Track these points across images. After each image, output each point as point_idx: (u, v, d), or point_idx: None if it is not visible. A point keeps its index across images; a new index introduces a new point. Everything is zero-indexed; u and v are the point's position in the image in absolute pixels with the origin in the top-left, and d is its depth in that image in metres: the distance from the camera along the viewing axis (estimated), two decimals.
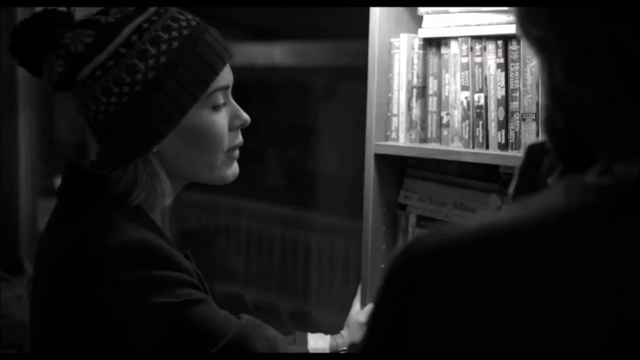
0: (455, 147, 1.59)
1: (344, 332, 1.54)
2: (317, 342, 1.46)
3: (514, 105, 1.50)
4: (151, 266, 1.21)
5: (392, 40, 1.67)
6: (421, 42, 1.65)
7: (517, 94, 1.49)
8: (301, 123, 3.48)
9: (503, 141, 1.51)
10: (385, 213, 1.72)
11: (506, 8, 1.48)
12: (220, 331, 1.24)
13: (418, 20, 1.66)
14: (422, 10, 1.64)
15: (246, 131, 1.39)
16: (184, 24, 1.28)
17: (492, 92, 1.53)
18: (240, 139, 1.36)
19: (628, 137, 0.64)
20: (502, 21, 1.49)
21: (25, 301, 2.92)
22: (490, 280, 0.63)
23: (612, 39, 0.63)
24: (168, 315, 1.20)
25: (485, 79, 1.54)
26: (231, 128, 1.34)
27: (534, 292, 0.61)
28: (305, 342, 1.45)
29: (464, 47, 1.56)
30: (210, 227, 3.68)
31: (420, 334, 0.65)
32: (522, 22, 0.71)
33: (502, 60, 1.51)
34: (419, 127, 1.67)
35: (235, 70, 1.36)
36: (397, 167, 1.74)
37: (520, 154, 1.36)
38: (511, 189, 0.83)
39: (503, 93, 1.51)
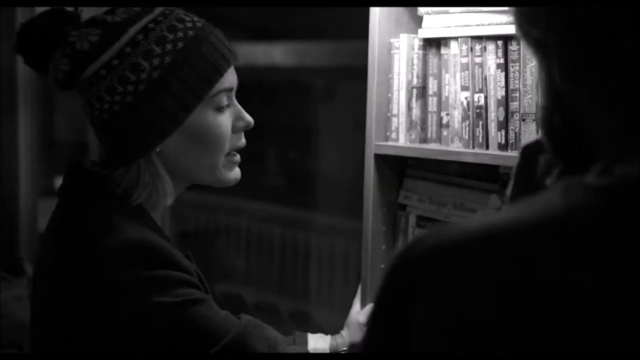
0: (455, 147, 1.59)
1: (344, 332, 1.54)
2: (317, 342, 1.46)
3: (513, 105, 1.50)
4: (151, 266, 1.21)
5: (392, 40, 1.67)
6: (421, 43, 1.65)
7: (517, 94, 1.49)
8: (301, 123, 3.48)
9: (503, 141, 1.51)
10: (385, 213, 1.72)
11: (506, 8, 1.48)
12: (220, 331, 1.24)
13: (418, 21, 1.66)
14: (422, 10, 1.64)
15: (246, 131, 1.39)
16: (189, 25, 1.29)
17: (492, 93, 1.53)
18: (243, 141, 1.37)
19: (628, 137, 0.64)
20: (502, 21, 1.50)
21: (25, 301, 2.92)
22: (491, 281, 0.63)
23: (612, 39, 0.63)
24: (168, 315, 1.20)
25: (485, 79, 1.54)
26: (234, 130, 1.34)
27: (534, 293, 0.61)
28: (305, 342, 1.45)
29: (464, 47, 1.56)
30: (210, 227, 3.68)
31: (420, 334, 0.65)
32: (520, 22, 0.71)
33: (502, 61, 1.51)
34: (418, 128, 1.67)
35: (236, 70, 1.36)
36: (397, 167, 1.74)
37: None
38: (508, 191, 0.83)
39: (503, 93, 1.51)
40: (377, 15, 1.66)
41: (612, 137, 0.65)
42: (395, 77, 1.67)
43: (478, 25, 1.53)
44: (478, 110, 1.55)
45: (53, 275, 1.26)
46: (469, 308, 0.63)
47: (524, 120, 1.48)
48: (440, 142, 1.64)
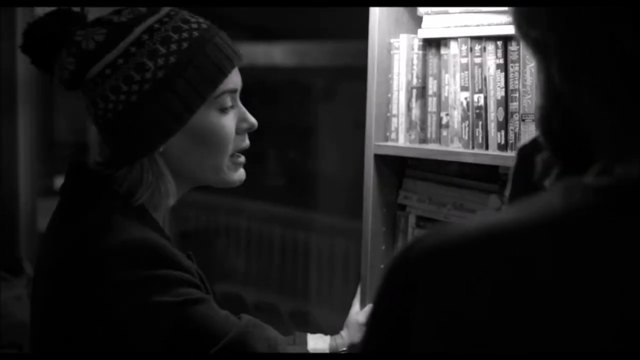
0: (455, 147, 1.59)
1: (343, 332, 1.54)
2: (317, 342, 1.46)
3: (513, 105, 1.50)
4: (152, 265, 1.21)
5: (392, 40, 1.67)
6: (421, 43, 1.65)
7: (517, 95, 1.49)
8: (301, 123, 3.48)
9: (503, 142, 1.51)
10: (384, 213, 1.72)
11: (506, 8, 1.48)
12: (220, 331, 1.24)
13: (418, 21, 1.66)
14: (421, 10, 1.64)
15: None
16: (194, 26, 1.30)
17: (491, 93, 1.53)
18: (247, 142, 1.37)
19: (628, 137, 0.64)
20: (501, 22, 1.50)
21: (25, 301, 2.92)
22: (490, 281, 0.63)
23: (612, 39, 0.63)
24: (169, 315, 1.20)
25: (485, 79, 1.54)
26: (238, 131, 1.35)
27: (533, 293, 0.61)
28: (305, 342, 1.45)
29: (464, 47, 1.56)
30: (210, 227, 3.68)
31: (420, 334, 0.65)
32: (519, 22, 0.71)
33: (501, 61, 1.51)
34: (418, 128, 1.67)
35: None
36: (397, 167, 1.74)
37: None
38: (507, 193, 0.83)
39: (503, 94, 1.51)
40: (377, 15, 1.66)
41: (612, 137, 0.65)
42: (395, 77, 1.67)
43: (478, 25, 1.53)
44: (478, 111, 1.55)
45: (54, 274, 1.26)
46: (469, 308, 0.63)
47: (523, 120, 1.48)
48: (439, 143, 1.64)
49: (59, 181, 3.71)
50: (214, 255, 3.60)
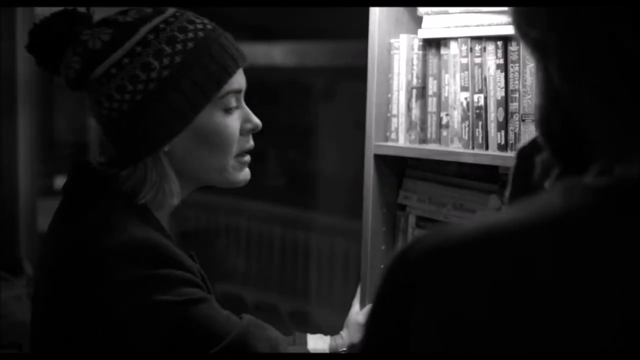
0: (455, 147, 1.59)
1: (343, 332, 1.54)
2: (317, 342, 1.46)
3: (513, 106, 1.49)
4: (154, 265, 1.21)
5: (392, 40, 1.67)
6: (421, 43, 1.65)
7: (517, 95, 1.49)
8: (301, 123, 3.48)
9: (503, 142, 1.51)
10: (384, 213, 1.72)
11: (506, 8, 1.48)
12: (222, 331, 1.24)
13: (418, 21, 1.66)
14: (421, 10, 1.64)
15: None
16: (199, 26, 1.31)
17: (491, 93, 1.53)
18: (251, 143, 1.38)
19: (628, 137, 0.64)
20: (501, 22, 1.49)
21: (25, 301, 2.92)
22: (490, 281, 0.63)
23: (612, 39, 0.63)
24: (170, 314, 1.21)
25: (485, 79, 1.54)
26: (242, 132, 1.35)
27: (533, 293, 0.61)
28: (305, 342, 1.45)
29: (464, 47, 1.56)
30: (210, 227, 3.68)
31: (419, 334, 0.65)
32: (518, 22, 0.71)
33: (501, 61, 1.51)
34: (418, 128, 1.67)
35: None
36: (397, 167, 1.74)
37: None
38: (507, 193, 0.83)
39: (503, 94, 1.51)
40: (377, 15, 1.66)
41: (612, 137, 0.65)
42: (395, 77, 1.67)
43: (478, 25, 1.53)
44: (478, 111, 1.55)
45: (56, 274, 1.26)
46: (469, 308, 0.63)
47: (523, 120, 1.48)
48: (439, 143, 1.64)
49: (59, 181, 3.71)
50: (214, 255, 3.60)
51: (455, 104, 1.59)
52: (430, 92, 1.65)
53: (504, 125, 1.51)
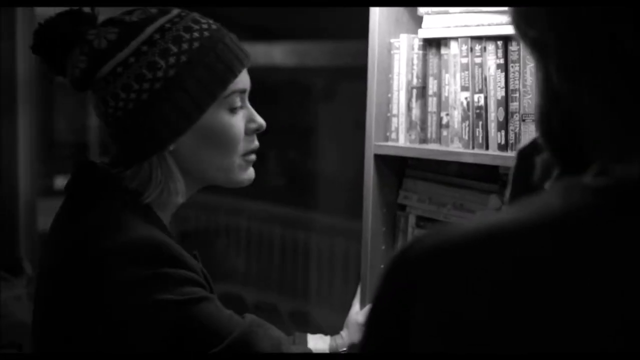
0: (455, 147, 1.59)
1: (343, 332, 1.54)
2: (317, 342, 1.46)
3: (513, 105, 1.49)
4: (157, 264, 1.21)
5: (392, 40, 1.67)
6: (421, 43, 1.65)
7: (517, 95, 1.49)
8: (301, 123, 3.49)
9: (503, 142, 1.51)
10: (384, 213, 1.72)
11: (506, 8, 1.48)
12: (224, 330, 1.25)
13: (418, 21, 1.66)
14: (422, 10, 1.64)
15: None
16: (204, 26, 1.31)
17: (492, 93, 1.53)
18: (256, 143, 1.38)
19: (629, 137, 0.64)
20: (502, 22, 1.49)
21: (25, 301, 2.92)
22: (490, 281, 0.63)
23: (612, 39, 0.63)
24: (173, 313, 1.21)
25: (485, 79, 1.54)
26: (247, 132, 1.36)
27: (533, 293, 0.61)
28: (305, 342, 1.45)
29: (464, 47, 1.56)
30: (210, 227, 3.68)
31: (419, 334, 0.65)
32: (518, 22, 0.71)
33: (502, 61, 1.51)
34: (418, 128, 1.67)
35: None
36: (397, 167, 1.74)
37: None
38: (507, 193, 0.83)
39: (503, 94, 1.51)
40: (377, 15, 1.66)
41: (612, 137, 0.65)
42: (395, 77, 1.67)
43: (478, 25, 1.53)
44: (478, 111, 1.55)
45: (59, 273, 1.26)
46: (469, 308, 0.63)
47: (523, 120, 1.48)
48: (440, 143, 1.64)
49: (59, 181, 3.71)
50: (214, 255, 3.60)
51: (456, 104, 1.59)
52: (430, 92, 1.65)
53: (504, 125, 1.51)
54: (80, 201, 1.31)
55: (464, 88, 1.57)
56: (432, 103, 1.65)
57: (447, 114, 1.61)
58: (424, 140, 1.67)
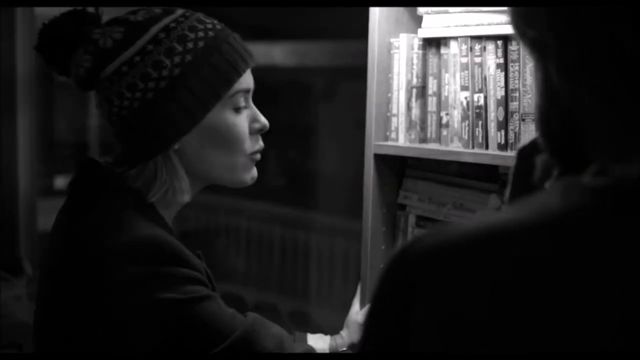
0: (455, 147, 1.59)
1: (343, 332, 1.54)
2: (317, 342, 1.46)
3: (513, 105, 1.49)
4: (159, 262, 1.21)
5: (392, 40, 1.67)
6: (421, 42, 1.65)
7: (517, 94, 1.49)
8: (301, 123, 3.48)
9: (503, 141, 1.51)
10: (384, 213, 1.72)
11: (506, 8, 1.48)
12: (227, 328, 1.25)
13: (418, 20, 1.66)
14: (421, 10, 1.64)
15: None
16: (209, 26, 1.32)
17: (491, 93, 1.53)
18: (261, 143, 1.39)
19: (628, 137, 0.64)
20: (501, 21, 1.49)
21: (25, 301, 2.92)
22: (490, 281, 0.63)
23: (612, 39, 0.63)
24: (175, 312, 1.21)
25: (485, 79, 1.54)
26: (251, 132, 1.36)
27: (533, 293, 0.61)
28: (305, 342, 1.45)
29: (464, 47, 1.56)
30: (210, 227, 3.68)
31: (419, 334, 0.65)
32: (517, 22, 0.71)
33: (501, 61, 1.51)
34: (418, 127, 1.67)
35: None
36: (397, 167, 1.74)
37: None
38: (507, 193, 0.83)
39: (503, 93, 1.51)
40: (376, 15, 1.66)
41: (611, 137, 0.65)
42: (395, 76, 1.67)
43: (478, 25, 1.53)
44: (478, 110, 1.55)
45: (61, 272, 1.26)
46: (469, 308, 0.63)
47: (523, 120, 1.48)
48: (439, 142, 1.64)
49: (59, 181, 3.71)
50: (214, 255, 3.60)
51: (455, 104, 1.59)
52: (430, 91, 1.65)
53: (504, 125, 1.51)
54: (83, 200, 1.31)
55: (464, 88, 1.57)
56: (431, 103, 1.65)
57: (447, 114, 1.61)
58: (423, 140, 1.67)
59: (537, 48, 0.70)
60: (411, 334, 0.65)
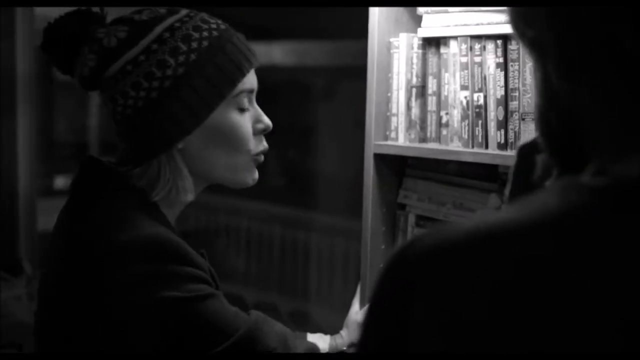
0: (455, 146, 1.59)
1: (343, 332, 1.54)
2: (317, 342, 1.46)
3: (513, 104, 1.49)
4: (162, 261, 1.22)
5: (392, 39, 1.67)
6: (420, 42, 1.65)
7: (517, 94, 1.49)
8: (301, 123, 3.48)
9: (502, 141, 1.51)
10: (384, 213, 1.72)
11: (505, 7, 1.48)
12: (230, 327, 1.25)
13: (417, 20, 1.66)
14: (421, 9, 1.64)
15: None
16: (213, 26, 1.32)
17: (491, 92, 1.53)
18: (265, 144, 1.39)
19: (628, 137, 0.64)
20: (501, 20, 1.49)
21: (25, 301, 2.92)
22: (490, 280, 0.63)
23: (611, 39, 0.63)
24: (179, 310, 1.21)
25: (485, 78, 1.54)
26: (254, 132, 1.37)
27: (533, 292, 0.61)
28: (306, 340, 1.45)
29: (464, 46, 1.56)
30: (210, 227, 3.67)
31: (419, 334, 0.64)
32: (516, 22, 0.71)
33: (501, 60, 1.51)
34: (418, 127, 1.67)
35: None
36: (397, 166, 1.74)
37: None
38: (507, 192, 0.83)
39: (502, 93, 1.51)
40: (376, 15, 1.66)
41: (611, 136, 0.65)
42: (395, 76, 1.67)
43: (477, 24, 1.53)
44: (477, 110, 1.55)
45: (64, 271, 1.26)
46: (469, 307, 0.63)
47: (523, 119, 1.48)
48: (439, 142, 1.64)
49: (59, 181, 3.71)
50: (214, 255, 3.59)
51: (455, 103, 1.59)
52: (430, 91, 1.65)
53: (503, 124, 1.51)
54: (85, 199, 1.31)
55: (464, 87, 1.57)
56: (431, 102, 1.65)
57: (447, 113, 1.61)
58: (423, 140, 1.67)
59: (537, 48, 0.70)
60: (411, 334, 0.65)
